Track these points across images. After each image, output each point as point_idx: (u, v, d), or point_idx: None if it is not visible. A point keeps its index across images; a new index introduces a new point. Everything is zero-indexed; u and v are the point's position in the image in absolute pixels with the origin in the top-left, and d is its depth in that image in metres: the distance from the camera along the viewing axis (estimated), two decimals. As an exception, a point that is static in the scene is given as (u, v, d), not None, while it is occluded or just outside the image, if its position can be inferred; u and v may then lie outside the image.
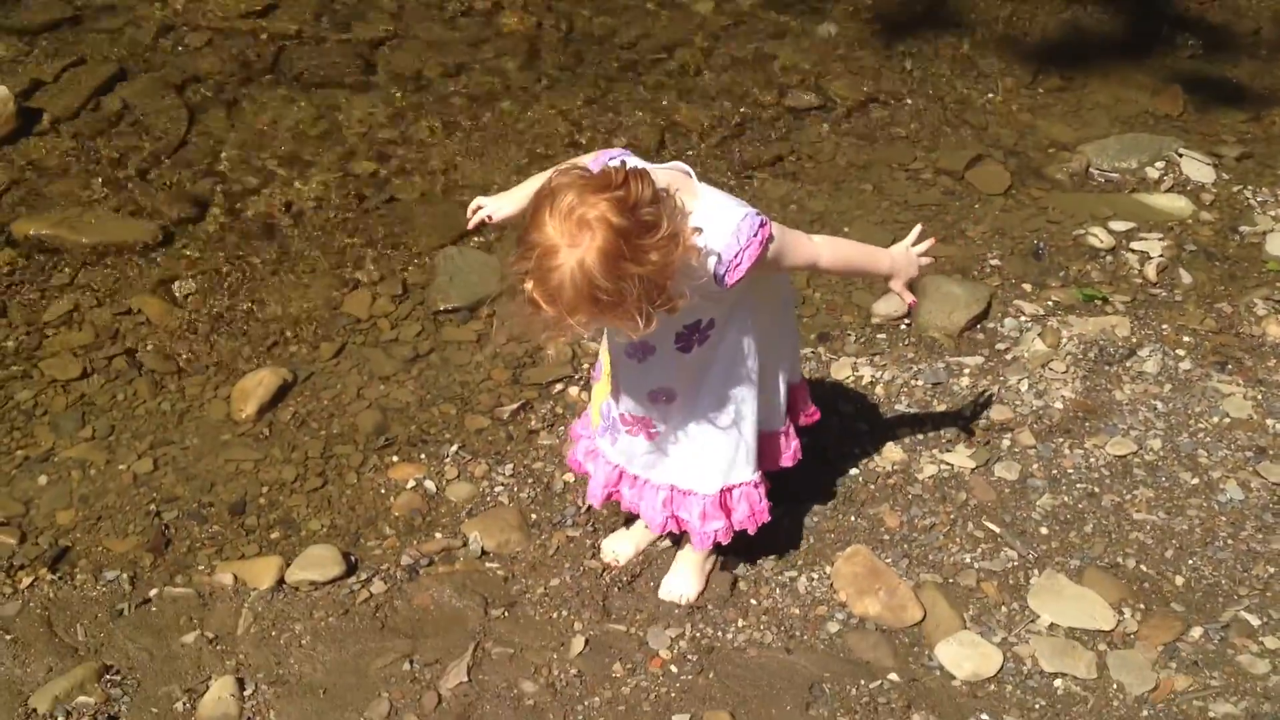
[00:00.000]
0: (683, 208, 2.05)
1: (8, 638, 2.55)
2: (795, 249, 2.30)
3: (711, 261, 2.15)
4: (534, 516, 2.90)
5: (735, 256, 2.14)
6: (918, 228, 2.53)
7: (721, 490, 2.50)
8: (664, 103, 4.35)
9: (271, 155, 4.01)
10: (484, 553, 2.81)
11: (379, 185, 3.93)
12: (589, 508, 2.82)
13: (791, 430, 2.63)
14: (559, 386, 3.23)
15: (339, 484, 2.98)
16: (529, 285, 2.01)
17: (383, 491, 2.96)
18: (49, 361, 3.22)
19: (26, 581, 2.67)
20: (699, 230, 2.08)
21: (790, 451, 2.62)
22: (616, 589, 2.69)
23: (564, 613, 2.65)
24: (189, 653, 2.54)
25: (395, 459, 3.04)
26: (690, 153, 4.11)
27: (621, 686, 2.49)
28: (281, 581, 2.70)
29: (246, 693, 2.45)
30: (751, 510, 2.54)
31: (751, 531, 2.55)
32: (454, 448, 3.06)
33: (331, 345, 3.34)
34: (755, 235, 2.15)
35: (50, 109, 4.07)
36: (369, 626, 2.61)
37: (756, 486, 2.53)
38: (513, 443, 3.09)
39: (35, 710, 2.40)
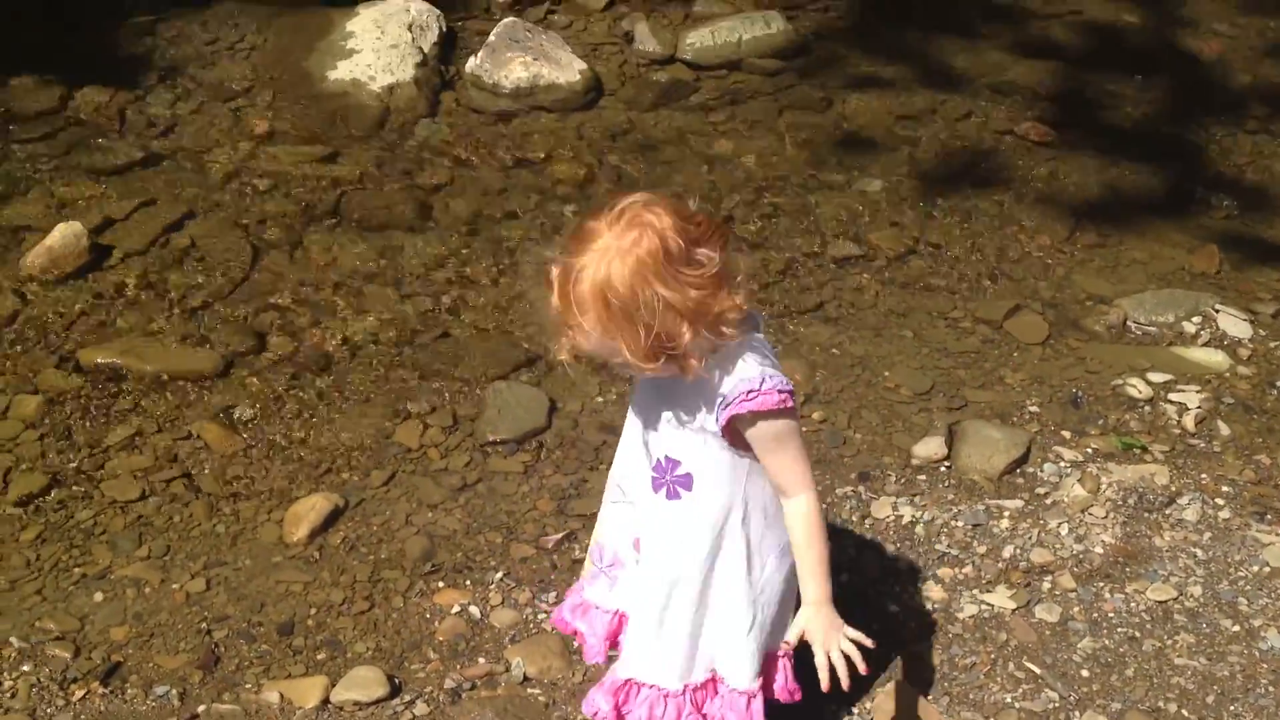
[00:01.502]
0: (737, 299, 1.99)
1: (58, 748, 2.58)
2: (792, 452, 2.14)
3: (720, 386, 2.07)
4: (575, 644, 2.92)
5: (745, 394, 2.04)
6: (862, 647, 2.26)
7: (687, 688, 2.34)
8: (709, 250, 4.48)
9: (331, 292, 4.16)
10: (526, 678, 2.84)
11: (433, 321, 4.07)
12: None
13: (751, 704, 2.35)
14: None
15: (385, 607, 3.03)
16: (554, 267, 1.98)
17: (428, 616, 3.01)
18: (109, 483, 3.32)
19: (79, 694, 2.72)
20: (723, 358, 2.04)
21: None
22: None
23: (606, 740, 2.65)
24: (229, 771, 2.57)
25: (441, 584, 3.09)
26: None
27: (660, 815, 2.48)
28: (326, 701, 2.74)
29: (289, 809, 2.46)
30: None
31: None
32: (499, 575, 3.12)
33: (382, 473, 3.43)
34: (776, 388, 2.05)
35: (121, 244, 4.25)
36: (408, 750, 2.64)
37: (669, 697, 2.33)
38: (556, 571, 3.14)
39: (81, 820, 2.43)
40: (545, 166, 4.93)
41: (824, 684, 2.22)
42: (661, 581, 2.29)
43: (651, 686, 2.34)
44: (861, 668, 2.24)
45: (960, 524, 3.24)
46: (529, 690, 2.81)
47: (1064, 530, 3.20)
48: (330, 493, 3.32)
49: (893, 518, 3.27)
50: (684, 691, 2.33)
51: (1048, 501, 3.31)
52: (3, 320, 3.85)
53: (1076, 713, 2.72)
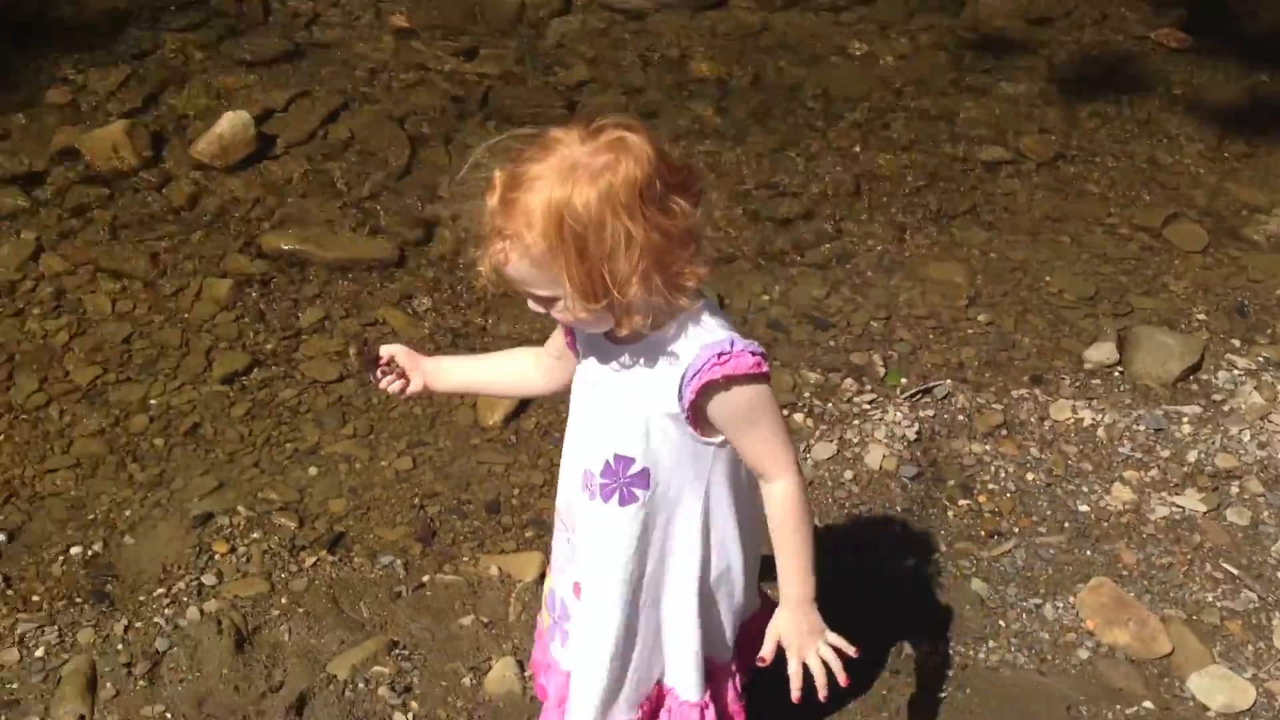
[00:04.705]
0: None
1: (300, 610, 2.71)
2: (769, 427, 1.83)
3: (682, 358, 1.79)
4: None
5: (716, 358, 1.77)
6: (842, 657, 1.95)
7: None
8: (855, 150, 4.50)
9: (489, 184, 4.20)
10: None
11: (591, 217, 4.11)
12: (826, 525, 2.94)
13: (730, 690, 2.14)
14: (784, 413, 3.34)
15: (585, 491, 3.11)
16: (502, 170, 1.71)
17: (627, 500, 3.09)
18: (308, 364, 3.41)
19: (310, 561, 2.83)
20: (677, 332, 1.78)
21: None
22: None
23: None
24: (467, 634, 2.68)
25: (636, 470, 3.17)
26: (886, 199, 4.25)
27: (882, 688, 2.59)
28: (543, 575, 2.83)
29: (526, 674, 2.58)
30: None
31: None
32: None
33: (571, 362, 3.50)
34: (749, 349, 1.77)
35: (283, 135, 4.30)
36: (633, 622, 2.74)
37: None
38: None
39: (335, 676, 2.56)
40: (683, 65, 4.93)
41: (794, 693, 1.91)
42: (615, 610, 1.98)
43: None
44: (841, 678, 1.91)
45: (1141, 428, 3.28)
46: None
47: (1245, 437, 3.25)
48: (519, 379, 3.38)
49: (1072, 420, 3.32)
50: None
51: (1225, 408, 3.35)
52: (185, 204, 3.91)
53: (1276, 612, 2.78)
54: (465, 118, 4.54)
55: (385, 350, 2.12)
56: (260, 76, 4.57)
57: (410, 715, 2.51)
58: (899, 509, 3.04)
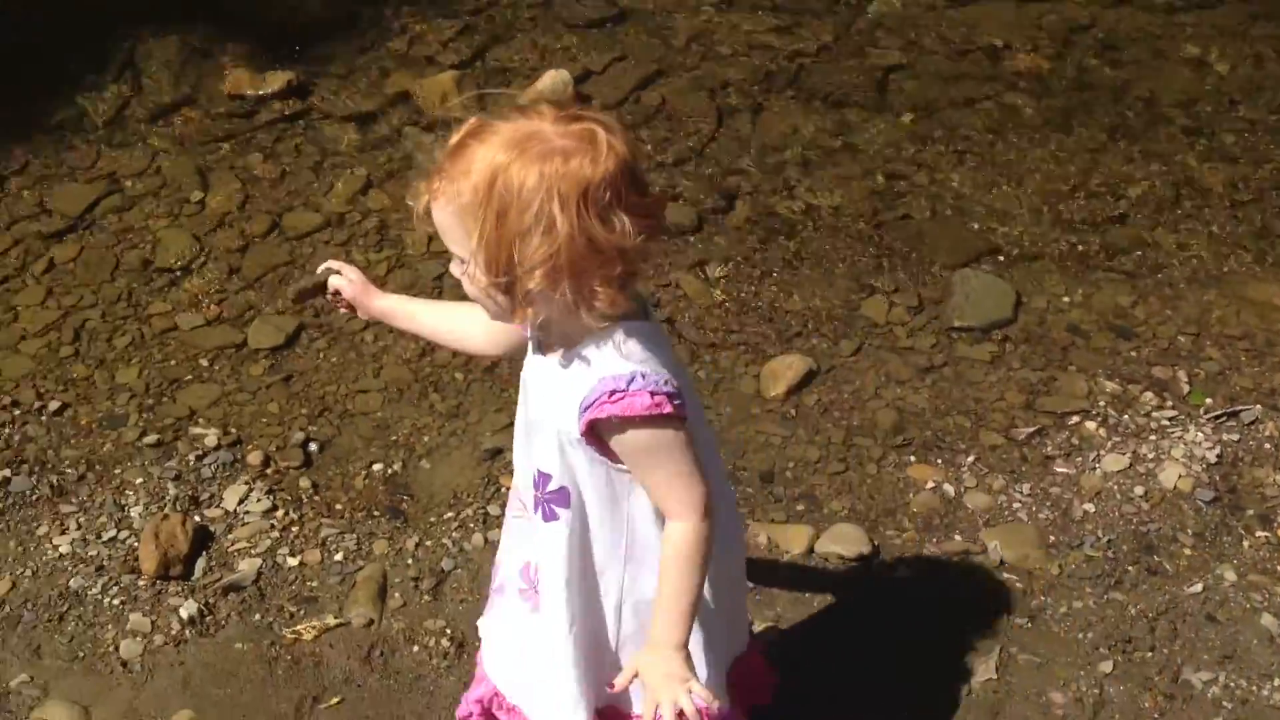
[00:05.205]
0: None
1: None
2: (672, 469, 1.71)
3: (584, 382, 1.70)
4: (1052, 538, 2.93)
5: (608, 394, 1.67)
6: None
7: None
8: (1178, 157, 4.28)
9: (792, 161, 4.22)
10: (1002, 563, 2.87)
11: (892, 201, 4.07)
12: (1109, 540, 2.85)
13: None
14: (1075, 419, 3.25)
15: (860, 472, 3.11)
16: (477, 118, 1.65)
17: (901, 487, 3.07)
18: (602, 318, 3.52)
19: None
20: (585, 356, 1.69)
21: None
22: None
23: (1089, 635, 2.67)
24: (731, 597, 2.73)
25: (913, 459, 3.15)
26: (1207, 211, 4.03)
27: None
28: (811, 549, 2.86)
29: (786, 637, 2.61)
30: None
31: None
32: (970, 458, 3.14)
33: (850, 343, 3.49)
34: (648, 389, 1.66)
35: (598, 95, 4.44)
36: (896, 606, 2.73)
37: None
38: (1027, 464, 3.14)
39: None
40: (1001, 56, 4.79)
41: None
42: (555, 621, 1.90)
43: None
44: None
45: None
46: (1005, 575, 2.84)
47: None
48: (803, 355, 3.40)
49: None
50: None
51: None
52: (501, 155, 4.09)
53: None
54: (775, 92, 4.56)
55: (334, 283, 2.08)
56: (582, 38, 4.72)
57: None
58: (1189, 532, 2.91)
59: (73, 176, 3.95)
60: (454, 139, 1.65)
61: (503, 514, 2.78)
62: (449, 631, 2.64)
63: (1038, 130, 4.38)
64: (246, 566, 2.75)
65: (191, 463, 3.03)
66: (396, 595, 2.71)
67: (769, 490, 3.05)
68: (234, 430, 3.14)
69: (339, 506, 2.96)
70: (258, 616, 2.67)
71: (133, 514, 2.88)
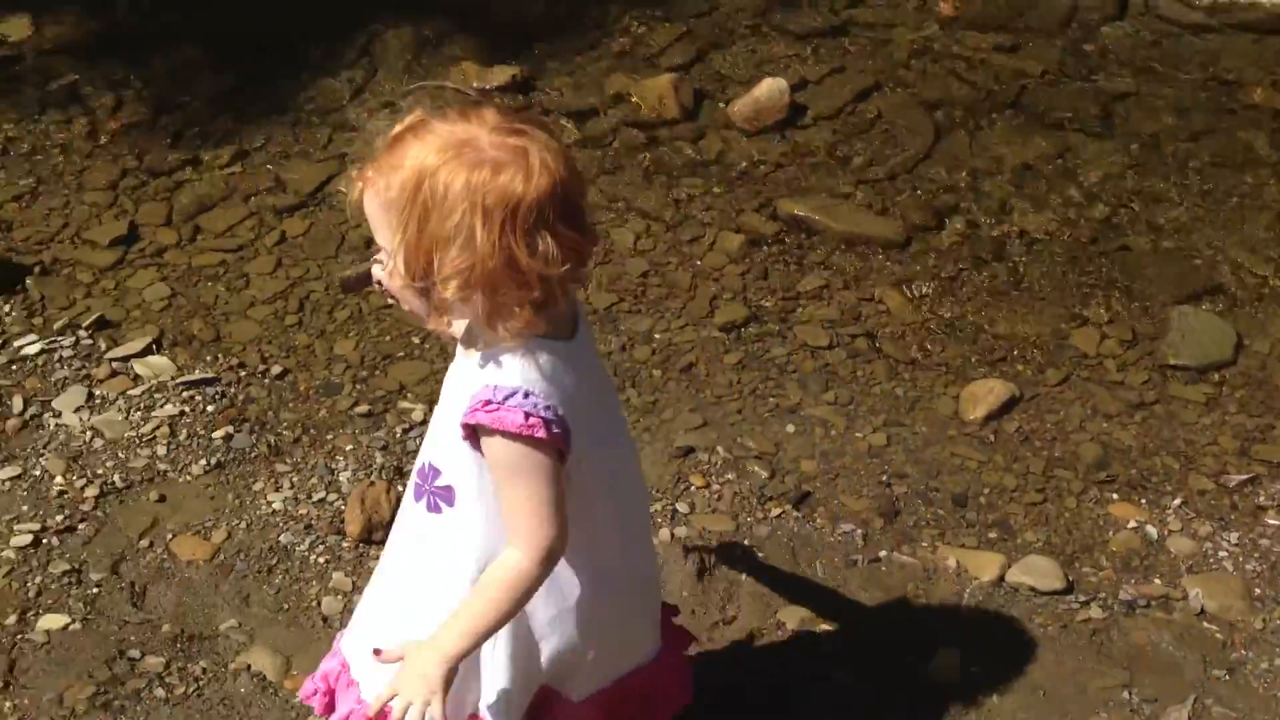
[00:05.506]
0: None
1: (760, 555, 2.83)
2: (524, 493, 1.68)
3: (472, 388, 1.68)
4: (1257, 591, 2.81)
5: (483, 403, 1.65)
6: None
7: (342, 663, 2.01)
8: None
9: (1007, 183, 4.14)
10: (1203, 611, 2.76)
11: (1110, 231, 3.95)
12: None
13: None
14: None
15: (1058, 504, 3.04)
16: (422, 113, 1.63)
17: (1101, 524, 2.99)
18: (801, 327, 3.53)
19: (775, 512, 2.96)
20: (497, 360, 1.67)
21: None
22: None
23: (1294, 695, 2.55)
24: (915, 617, 2.70)
25: (1115, 496, 3.06)
26: None
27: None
28: (1002, 579, 2.80)
29: (970, 667, 2.56)
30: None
31: None
32: (1176, 501, 3.03)
33: (1057, 373, 3.41)
34: (523, 408, 1.63)
35: (814, 106, 4.44)
36: (1086, 646, 2.66)
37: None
38: (1237, 513, 3.02)
39: (783, 623, 2.67)
40: (1237, 89, 4.60)
41: (371, 710, 1.83)
42: (415, 610, 1.86)
43: (356, 684, 1.99)
44: None
45: None
46: (1205, 624, 2.73)
47: None
48: (1006, 380, 3.34)
49: None
50: None
51: None
52: (712, 159, 4.14)
53: None
54: (995, 113, 4.48)
55: (376, 272, 1.90)
56: (801, 48, 4.73)
57: (842, 676, 2.56)
58: None
59: (307, 156, 4.16)
60: (394, 131, 1.63)
61: (692, 512, 2.83)
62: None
63: (1271, 167, 4.19)
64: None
65: (398, 435, 3.15)
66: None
67: (961, 514, 3.00)
68: (440, 407, 3.26)
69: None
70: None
71: (341, 478, 3.02)
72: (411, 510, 1.87)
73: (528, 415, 1.63)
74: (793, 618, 2.69)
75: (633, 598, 2.00)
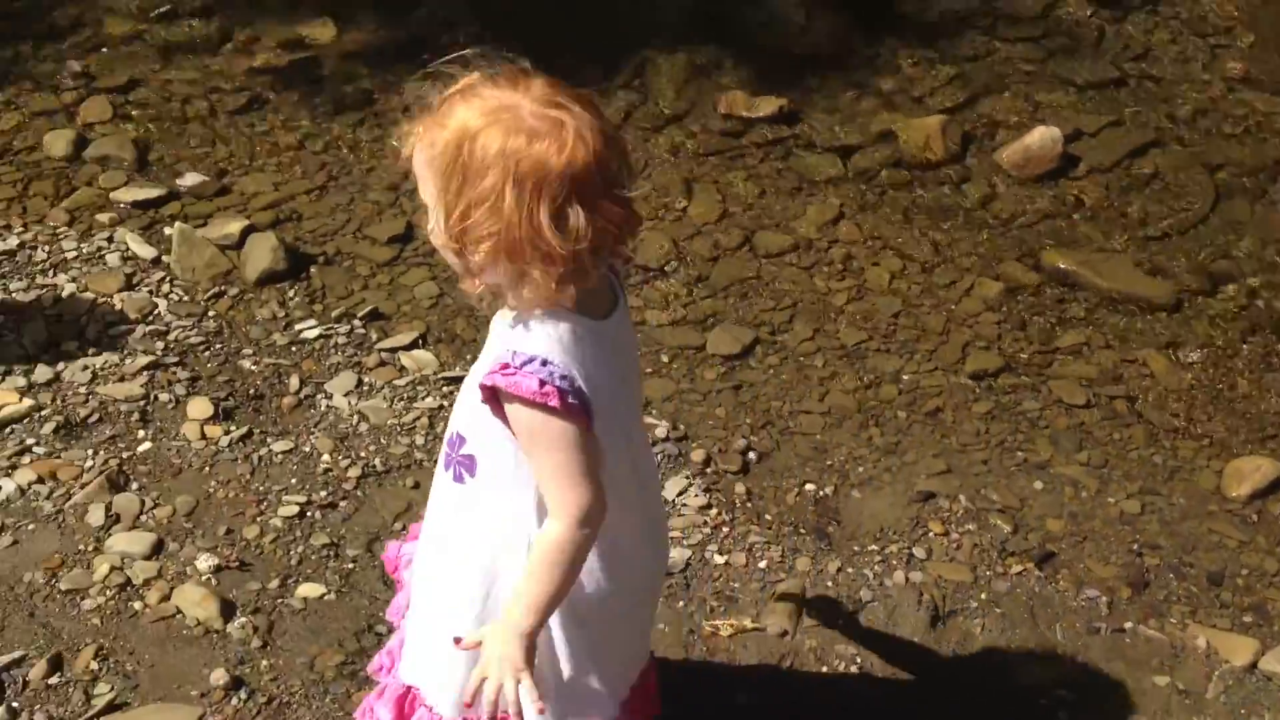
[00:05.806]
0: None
1: (998, 611, 2.77)
2: (553, 464, 1.68)
3: (493, 352, 1.70)
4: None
5: (501, 366, 1.65)
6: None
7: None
8: None
9: (1288, 253, 3.94)
10: None
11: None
12: None
13: None
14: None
15: (1319, 595, 2.86)
16: (478, 77, 1.65)
17: (1369, 622, 2.79)
18: (1056, 383, 3.44)
19: (1016, 569, 2.88)
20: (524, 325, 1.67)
21: None
22: None
23: None
24: (1158, 695, 2.60)
25: (1390, 596, 2.85)
26: None
27: None
28: (1254, 665, 2.66)
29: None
30: None
31: None
32: None
33: (1333, 455, 3.21)
34: (538, 375, 1.63)
35: (1088, 158, 4.32)
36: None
37: None
38: None
39: (1019, 683, 2.59)
40: None
41: (465, 697, 1.80)
42: (445, 581, 1.90)
43: (430, 709, 1.98)
44: None
45: None
46: None
47: None
48: (1276, 460, 3.16)
49: None
50: None
51: None
52: (976, 204, 4.08)
53: None
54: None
55: None
56: (1078, 98, 4.61)
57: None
58: None
59: (576, 171, 4.28)
60: (449, 91, 1.66)
61: (929, 558, 2.80)
62: (859, 660, 2.66)
63: None
64: (677, 555, 2.90)
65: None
66: (813, 613, 2.77)
67: (1215, 594, 2.87)
68: (682, 426, 3.31)
69: (769, 517, 3.05)
70: (681, 604, 2.80)
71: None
72: (441, 479, 1.90)
73: (542, 383, 1.64)
74: (1028, 678, 2.61)
75: (647, 591, 2.04)
